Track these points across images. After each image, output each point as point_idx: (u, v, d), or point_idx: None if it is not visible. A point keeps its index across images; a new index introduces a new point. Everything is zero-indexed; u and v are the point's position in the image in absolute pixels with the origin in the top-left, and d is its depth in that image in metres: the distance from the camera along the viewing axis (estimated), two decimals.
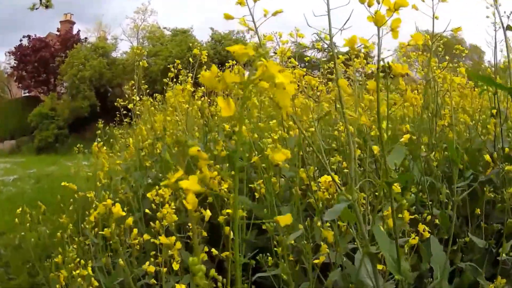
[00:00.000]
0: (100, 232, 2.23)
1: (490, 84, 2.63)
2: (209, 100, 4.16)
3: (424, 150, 2.71)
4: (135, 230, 2.10)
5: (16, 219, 3.82)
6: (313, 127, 2.23)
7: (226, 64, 4.34)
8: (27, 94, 34.67)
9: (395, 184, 1.51)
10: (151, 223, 2.31)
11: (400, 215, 1.69)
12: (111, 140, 6.74)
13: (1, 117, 31.35)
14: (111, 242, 2.57)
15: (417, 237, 1.87)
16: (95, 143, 3.17)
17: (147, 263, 2.05)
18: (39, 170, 15.70)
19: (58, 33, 34.47)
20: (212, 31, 31.63)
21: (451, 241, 2.01)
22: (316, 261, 1.89)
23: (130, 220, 1.86)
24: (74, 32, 34.42)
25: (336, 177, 1.86)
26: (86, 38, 34.08)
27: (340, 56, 2.83)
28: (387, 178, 1.39)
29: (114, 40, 34.06)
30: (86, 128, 28.68)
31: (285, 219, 0.98)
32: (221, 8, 54.01)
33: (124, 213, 1.71)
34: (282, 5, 1.80)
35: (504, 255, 2.12)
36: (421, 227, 2.07)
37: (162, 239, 1.81)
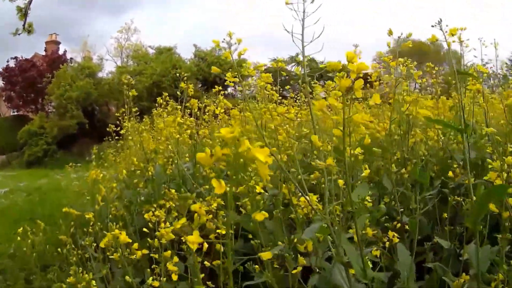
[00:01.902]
0: (101, 245, 2.44)
1: (446, 127, 2.92)
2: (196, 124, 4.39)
3: (394, 167, 2.98)
4: (136, 245, 2.32)
5: (10, 230, 3.93)
6: (292, 150, 2.50)
7: (215, 88, 4.56)
8: (16, 113, 34.73)
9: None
10: (148, 239, 2.53)
11: (364, 231, 1.95)
12: (102, 158, 6.94)
13: None
14: (108, 254, 2.85)
15: (378, 250, 2.13)
16: (93, 171, 3.39)
17: (151, 278, 2.29)
18: (30, 183, 15.83)
19: (44, 54, 34.61)
20: (195, 48, 32.01)
21: (415, 244, 2.24)
22: (294, 271, 2.15)
23: (125, 236, 2.07)
24: (60, 52, 34.64)
25: (314, 197, 2.12)
26: (71, 58, 34.29)
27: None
28: (352, 209, 1.65)
29: (100, 60, 34.28)
30: (74, 144, 29.01)
31: (266, 255, 1.28)
32: (204, 24, 54.33)
33: (130, 240, 1.97)
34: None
35: (466, 255, 2.34)
36: (390, 233, 2.36)
37: (166, 254, 2.08)
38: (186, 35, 57.49)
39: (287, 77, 3.44)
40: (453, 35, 2.16)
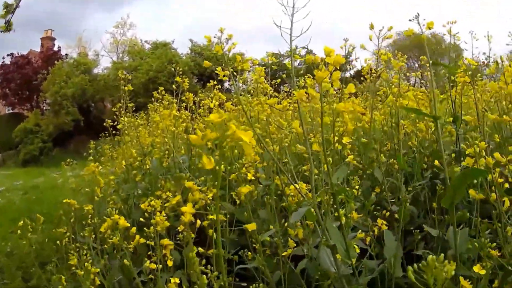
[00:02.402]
0: (101, 230, 2.51)
1: (419, 114, 3.02)
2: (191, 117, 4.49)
3: (383, 157, 3.09)
4: (138, 237, 2.40)
5: (7, 228, 3.97)
6: (286, 142, 2.60)
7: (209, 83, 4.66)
8: (11, 111, 34.66)
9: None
10: (145, 228, 2.62)
11: (350, 215, 2.05)
12: (99, 153, 7.03)
13: None
14: (106, 247, 2.95)
15: (363, 233, 2.23)
16: (92, 164, 3.49)
17: (148, 261, 2.39)
18: (26, 182, 15.85)
19: (39, 50, 34.55)
20: (191, 42, 31.95)
21: (401, 231, 2.34)
22: (284, 253, 2.26)
23: (124, 221, 2.17)
24: (55, 48, 34.56)
25: (303, 185, 2.22)
26: (67, 54, 34.15)
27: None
28: (333, 190, 1.75)
29: (96, 56, 34.18)
30: (70, 141, 28.95)
31: (251, 226, 1.41)
32: (202, 19, 54.27)
33: (128, 224, 2.06)
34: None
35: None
36: (379, 221, 2.45)
37: (163, 241, 2.18)
38: (183, 31, 57.49)
39: (284, 72, 3.53)
40: (430, 28, 2.24)
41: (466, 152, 2.10)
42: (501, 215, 2.07)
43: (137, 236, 2.34)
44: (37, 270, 4.59)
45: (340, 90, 3.61)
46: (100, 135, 7.55)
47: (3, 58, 32.82)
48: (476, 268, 1.68)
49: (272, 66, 2.77)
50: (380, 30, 2.60)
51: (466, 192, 2.12)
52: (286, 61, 27.47)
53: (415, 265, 1.20)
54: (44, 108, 32.64)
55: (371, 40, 2.62)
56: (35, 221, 3.49)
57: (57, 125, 28.85)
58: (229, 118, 1.01)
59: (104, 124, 5.26)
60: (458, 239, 2.02)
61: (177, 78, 4.02)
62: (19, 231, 3.54)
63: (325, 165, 1.77)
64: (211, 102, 4.06)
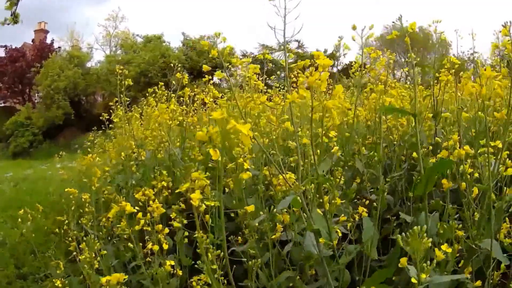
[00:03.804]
0: (109, 215, 2.64)
1: (400, 113, 3.22)
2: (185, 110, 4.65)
3: (364, 149, 3.28)
4: (142, 222, 2.55)
5: None
6: (274, 135, 2.78)
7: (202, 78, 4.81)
8: (3, 105, 34.59)
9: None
10: (139, 214, 2.77)
11: (333, 201, 2.23)
12: (93, 146, 7.20)
13: None
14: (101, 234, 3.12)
15: (345, 218, 2.42)
16: (89, 155, 3.65)
17: (150, 243, 2.56)
18: (16, 173, 15.86)
19: (32, 43, 34.44)
20: (183, 36, 31.92)
21: (379, 218, 2.53)
22: (273, 236, 2.45)
23: (130, 207, 2.33)
24: (48, 41, 34.50)
25: (292, 175, 2.40)
26: (59, 47, 34.10)
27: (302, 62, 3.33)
28: (318, 180, 1.94)
29: (89, 50, 34.22)
30: (60, 134, 28.93)
31: (250, 208, 1.62)
32: (192, 12, 54.11)
33: (135, 210, 2.24)
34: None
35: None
36: (360, 209, 2.64)
37: (158, 227, 2.38)
38: (175, 23, 57.33)
39: (273, 67, 3.68)
40: (412, 29, 2.41)
41: (442, 146, 2.31)
42: (469, 202, 2.27)
43: (142, 221, 2.49)
44: (28, 258, 4.77)
45: (329, 86, 3.77)
46: (92, 128, 7.70)
47: None
48: (444, 247, 1.85)
49: (268, 64, 2.90)
50: (362, 30, 2.75)
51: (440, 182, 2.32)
52: (276, 55, 27.65)
53: (402, 234, 1.41)
54: (36, 101, 32.61)
55: (354, 40, 2.78)
56: (25, 211, 3.64)
57: (48, 118, 28.88)
58: (229, 115, 1.18)
59: (101, 118, 5.42)
60: (430, 222, 2.21)
61: (178, 75, 4.18)
62: (11, 222, 3.68)
63: (312, 157, 1.95)
64: (206, 97, 4.21)
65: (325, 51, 24.97)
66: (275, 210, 2.55)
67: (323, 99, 1.86)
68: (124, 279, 1.76)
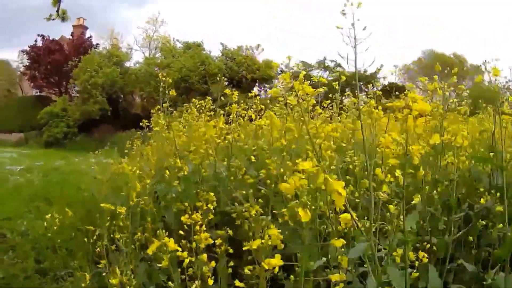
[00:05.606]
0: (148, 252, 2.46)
1: (487, 163, 2.98)
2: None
3: (427, 188, 3.04)
4: (187, 260, 2.35)
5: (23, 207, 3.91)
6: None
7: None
8: (38, 94, 35.20)
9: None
10: (183, 241, 2.57)
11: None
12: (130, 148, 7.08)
13: (12, 111, 32.35)
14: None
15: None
16: (125, 164, 3.47)
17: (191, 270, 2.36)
18: (47, 163, 16.03)
19: (71, 37, 35.02)
20: (222, 46, 32.08)
21: (445, 266, 2.31)
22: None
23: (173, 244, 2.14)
24: (86, 37, 35.08)
25: (354, 214, 2.18)
26: (98, 44, 34.71)
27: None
28: (406, 238, 1.72)
29: (129, 50, 34.80)
30: (95, 129, 29.32)
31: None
32: (231, 19, 54.36)
33: (179, 248, 2.04)
34: None
35: (489, 280, 2.41)
36: (420, 254, 2.42)
37: (202, 257, 2.17)
38: (215, 30, 57.64)
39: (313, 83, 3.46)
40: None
41: None
42: None
43: (186, 261, 2.27)
44: (50, 253, 4.59)
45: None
46: (131, 129, 7.61)
47: (35, 40, 33.48)
48: None
49: (323, 87, 2.67)
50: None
51: None
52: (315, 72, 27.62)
53: None
54: (73, 94, 33.08)
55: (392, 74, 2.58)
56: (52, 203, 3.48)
57: (84, 112, 29.33)
58: (322, 167, 0.98)
59: (141, 123, 5.28)
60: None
61: (227, 91, 4.00)
62: (35, 212, 3.52)
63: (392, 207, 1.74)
64: (253, 113, 4.01)
65: (365, 71, 24.95)
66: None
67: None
68: None
